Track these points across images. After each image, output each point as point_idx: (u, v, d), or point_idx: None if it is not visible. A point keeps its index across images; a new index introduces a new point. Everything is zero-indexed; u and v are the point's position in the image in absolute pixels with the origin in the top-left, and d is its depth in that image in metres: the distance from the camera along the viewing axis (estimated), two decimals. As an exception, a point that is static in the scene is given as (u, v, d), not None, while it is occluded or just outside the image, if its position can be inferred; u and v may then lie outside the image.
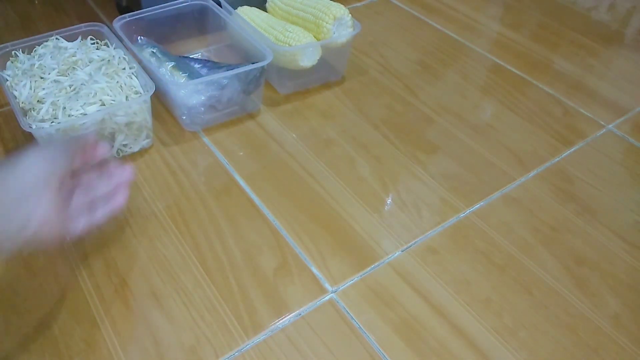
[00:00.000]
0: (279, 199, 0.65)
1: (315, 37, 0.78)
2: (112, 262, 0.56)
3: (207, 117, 0.73)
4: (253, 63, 0.71)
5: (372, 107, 0.80)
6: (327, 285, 0.56)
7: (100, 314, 0.51)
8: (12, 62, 0.70)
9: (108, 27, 0.75)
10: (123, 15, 0.77)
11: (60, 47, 0.71)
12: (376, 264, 0.58)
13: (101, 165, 0.49)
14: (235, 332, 0.51)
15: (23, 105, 0.64)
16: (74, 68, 0.67)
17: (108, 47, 0.73)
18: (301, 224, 0.62)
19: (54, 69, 0.67)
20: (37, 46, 0.72)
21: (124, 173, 0.50)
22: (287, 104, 0.80)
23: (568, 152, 0.75)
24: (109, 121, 0.64)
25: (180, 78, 0.72)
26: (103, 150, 0.48)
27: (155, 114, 0.74)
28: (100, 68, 0.68)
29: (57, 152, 0.44)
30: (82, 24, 0.74)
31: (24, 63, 0.69)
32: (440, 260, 0.59)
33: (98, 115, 0.62)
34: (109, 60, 0.69)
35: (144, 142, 0.69)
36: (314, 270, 0.57)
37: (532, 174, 0.71)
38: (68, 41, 0.73)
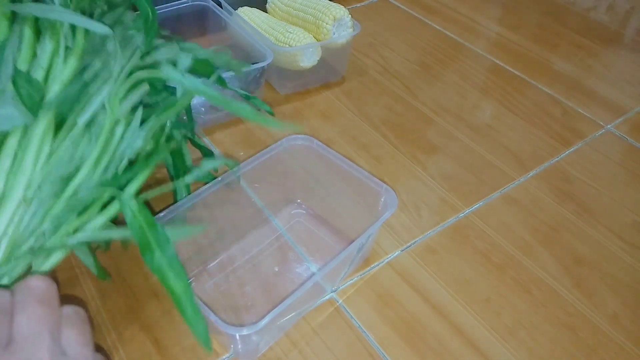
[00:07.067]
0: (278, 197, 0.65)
1: (315, 37, 0.78)
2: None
3: (207, 117, 0.74)
4: (253, 63, 0.72)
5: (372, 107, 0.80)
6: (327, 285, 0.56)
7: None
8: (13, 63, 0.70)
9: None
10: (123, 16, 0.77)
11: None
12: (376, 263, 0.58)
13: None
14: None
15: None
16: (74, 68, 0.67)
17: (109, 47, 0.73)
18: (301, 224, 0.62)
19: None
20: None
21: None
22: (287, 104, 0.80)
23: (567, 152, 0.76)
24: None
25: (181, 78, 0.73)
26: None
27: (156, 114, 0.74)
28: (101, 68, 0.68)
29: None
30: (83, 25, 0.74)
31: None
32: (439, 260, 0.59)
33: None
34: (109, 61, 0.69)
35: (144, 142, 0.70)
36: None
37: (531, 174, 0.72)
38: (69, 42, 0.73)
